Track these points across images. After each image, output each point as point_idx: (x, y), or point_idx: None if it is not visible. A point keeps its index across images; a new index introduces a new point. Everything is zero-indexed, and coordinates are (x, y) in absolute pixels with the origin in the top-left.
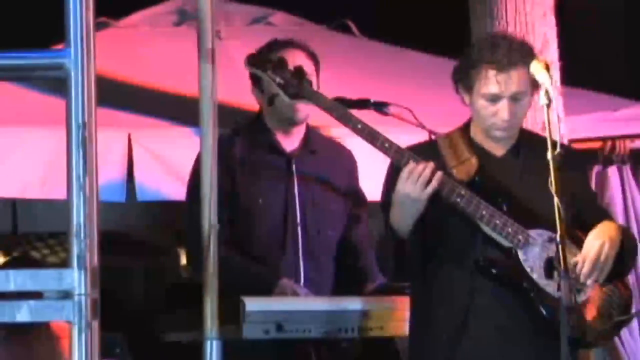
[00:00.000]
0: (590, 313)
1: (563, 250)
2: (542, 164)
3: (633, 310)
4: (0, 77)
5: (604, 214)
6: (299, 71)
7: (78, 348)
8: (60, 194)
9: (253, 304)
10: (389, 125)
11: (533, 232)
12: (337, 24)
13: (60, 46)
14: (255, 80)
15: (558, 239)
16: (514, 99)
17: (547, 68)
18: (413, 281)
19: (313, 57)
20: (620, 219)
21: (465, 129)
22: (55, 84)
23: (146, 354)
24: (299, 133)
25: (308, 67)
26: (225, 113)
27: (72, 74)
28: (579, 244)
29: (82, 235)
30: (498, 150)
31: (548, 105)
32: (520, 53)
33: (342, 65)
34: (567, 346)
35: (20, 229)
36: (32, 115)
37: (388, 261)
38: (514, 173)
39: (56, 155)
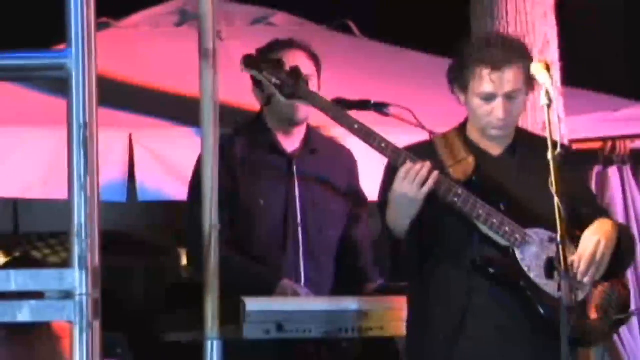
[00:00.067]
0: (589, 312)
1: (564, 250)
2: (539, 164)
3: (631, 309)
4: (1, 77)
5: (603, 213)
6: (295, 71)
7: (79, 348)
8: (61, 194)
9: (253, 304)
10: (389, 126)
11: (530, 231)
12: (337, 24)
13: (61, 46)
14: (256, 81)
15: (559, 239)
16: (509, 97)
17: (548, 68)
18: (410, 281)
19: (314, 57)
20: (621, 220)
21: (462, 128)
22: (57, 84)
23: (146, 354)
24: (299, 133)
25: (309, 67)
26: (226, 113)
27: (73, 74)
28: (577, 243)
29: (83, 235)
30: (495, 150)
31: (549, 106)
32: (513, 51)
33: (343, 66)
34: (567, 346)
35: (21, 229)
36: (33, 115)
37: (384, 261)
38: (510, 172)
39: (57, 155)
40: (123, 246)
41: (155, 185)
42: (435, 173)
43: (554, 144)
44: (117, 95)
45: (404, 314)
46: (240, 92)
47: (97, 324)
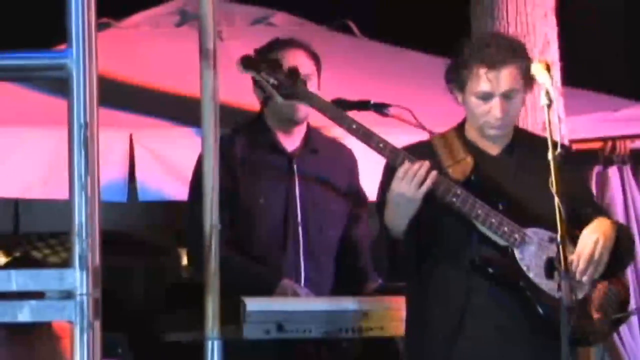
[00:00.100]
0: (588, 311)
1: (564, 250)
2: (538, 163)
3: (631, 308)
4: (1, 77)
5: (603, 213)
6: (293, 72)
7: (80, 348)
8: (61, 194)
9: (253, 304)
10: (389, 126)
11: (529, 231)
12: (337, 24)
13: (62, 47)
14: (257, 80)
15: (559, 239)
16: (506, 96)
17: (548, 68)
18: (408, 281)
19: (314, 56)
20: (621, 220)
21: (460, 128)
22: (57, 84)
23: (146, 354)
24: (299, 132)
25: (309, 66)
26: (226, 113)
27: (74, 74)
28: (576, 243)
29: (83, 235)
30: (493, 149)
31: (549, 106)
32: (511, 51)
33: (343, 66)
34: (567, 346)
35: (21, 229)
36: (33, 115)
37: (382, 261)
38: (509, 172)
39: (58, 155)
40: (123, 246)
41: (156, 185)
42: (434, 173)
43: (554, 144)
44: (117, 95)
45: (404, 314)
46: (240, 92)
47: (97, 324)
